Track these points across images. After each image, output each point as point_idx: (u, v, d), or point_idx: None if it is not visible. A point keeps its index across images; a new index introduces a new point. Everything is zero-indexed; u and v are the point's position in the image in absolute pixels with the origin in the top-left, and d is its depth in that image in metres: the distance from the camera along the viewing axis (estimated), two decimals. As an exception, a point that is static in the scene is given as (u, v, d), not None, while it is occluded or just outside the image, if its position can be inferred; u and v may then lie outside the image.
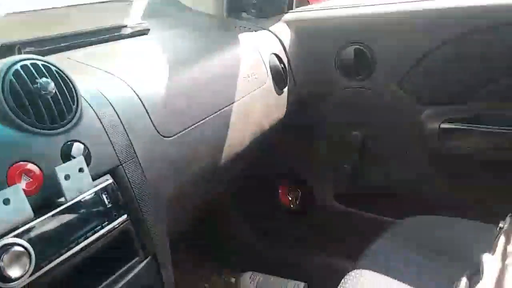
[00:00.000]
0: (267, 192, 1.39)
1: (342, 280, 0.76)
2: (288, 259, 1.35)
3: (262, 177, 1.35)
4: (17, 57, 0.56)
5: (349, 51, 1.12)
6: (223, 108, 0.88)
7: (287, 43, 1.15)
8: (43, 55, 0.73)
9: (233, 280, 1.38)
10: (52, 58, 0.73)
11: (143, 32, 0.96)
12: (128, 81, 0.73)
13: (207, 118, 0.83)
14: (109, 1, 0.87)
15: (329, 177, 1.29)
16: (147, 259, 0.65)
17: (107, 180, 0.61)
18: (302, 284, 1.28)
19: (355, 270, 0.78)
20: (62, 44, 0.78)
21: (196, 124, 0.80)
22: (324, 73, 1.17)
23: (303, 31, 1.18)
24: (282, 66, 1.09)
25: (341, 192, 1.30)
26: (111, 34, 0.88)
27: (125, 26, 0.93)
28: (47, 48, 0.75)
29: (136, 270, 0.63)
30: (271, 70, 1.06)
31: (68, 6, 0.79)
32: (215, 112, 0.85)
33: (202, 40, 1.04)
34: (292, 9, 1.26)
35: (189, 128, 0.78)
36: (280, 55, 1.11)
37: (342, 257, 1.22)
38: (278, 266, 1.35)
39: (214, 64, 0.92)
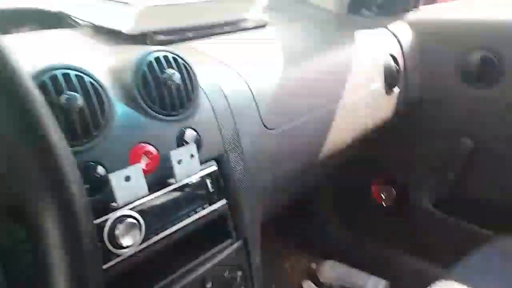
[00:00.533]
0: (360, 188, 1.39)
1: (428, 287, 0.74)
2: (372, 254, 1.35)
3: (357, 173, 1.35)
4: (151, 48, 0.63)
5: (475, 58, 1.04)
6: (329, 106, 0.89)
7: (406, 44, 1.11)
8: (171, 43, 0.81)
9: (313, 265, 1.40)
10: (179, 47, 0.81)
11: (262, 25, 1.00)
12: (242, 73, 0.77)
13: (312, 115, 0.85)
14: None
15: (428, 182, 1.24)
16: (238, 242, 0.70)
17: (212, 167, 0.66)
18: (383, 282, 1.26)
19: (444, 280, 0.75)
20: (188, 34, 0.85)
21: (300, 120, 0.83)
22: (442, 78, 1.11)
23: (426, 32, 1.13)
24: (397, 67, 1.06)
25: (439, 198, 1.25)
26: (233, 26, 0.93)
27: (246, 19, 0.97)
28: (175, 37, 0.83)
29: (228, 251, 0.68)
30: (384, 71, 1.03)
31: (199, 2, 0.85)
32: (320, 109, 0.87)
33: (318, 36, 1.05)
34: (416, 8, 1.20)
35: (293, 123, 0.81)
36: (397, 56, 1.07)
37: (431, 262, 1.18)
38: (361, 260, 1.35)
39: (327, 62, 0.93)
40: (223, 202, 0.67)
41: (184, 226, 0.61)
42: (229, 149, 0.69)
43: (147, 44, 0.79)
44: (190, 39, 0.85)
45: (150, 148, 0.58)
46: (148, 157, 0.58)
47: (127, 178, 0.53)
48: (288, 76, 0.83)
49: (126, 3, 0.77)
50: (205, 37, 0.88)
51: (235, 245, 0.70)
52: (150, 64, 0.61)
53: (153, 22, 0.80)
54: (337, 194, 1.43)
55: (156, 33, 0.81)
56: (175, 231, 0.60)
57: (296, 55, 0.91)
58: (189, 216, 0.61)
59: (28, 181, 0.28)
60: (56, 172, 0.29)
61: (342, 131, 0.93)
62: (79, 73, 0.53)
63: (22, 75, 0.30)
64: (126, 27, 0.78)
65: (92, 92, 0.54)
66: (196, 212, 0.62)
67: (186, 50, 0.79)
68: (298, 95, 0.84)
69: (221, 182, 0.67)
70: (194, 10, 0.87)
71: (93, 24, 0.82)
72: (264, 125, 0.76)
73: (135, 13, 0.77)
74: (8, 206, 0.28)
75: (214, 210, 0.65)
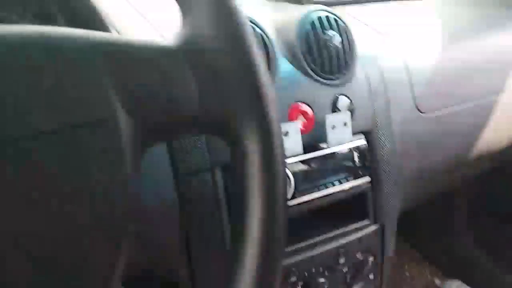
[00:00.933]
0: (509, 200, 1.17)
1: None
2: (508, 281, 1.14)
3: (508, 182, 1.15)
4: (314, 7, 0.61)
5: None
6: (491, 97, 0.80)
7: None
8: (326, 5, 0.78)
9: (437, 281, 1.25)
10: (335, 10, 0.78)
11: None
12: (399, 47, 0.72)
13: (470, 103, 0.77)
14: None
15: None
16: (375, 225, 0.67)
17: (361, 140, 0.63)
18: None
19: None
20: (345, -1, 0.81)
21: (457, 107, 0.75)
22: None
23: None
24: None
25: None
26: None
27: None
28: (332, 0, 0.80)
29: (364, 232, 0.65)
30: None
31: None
32: (480, 98, 0.78)
33: (484, 11, 0.94)
34: None
35: (448, 109, 0.74)
36: None
37: None
38: (496, 285, 1.16)
39: (495, 44, 0.83)
40: (366, 179, 0.63)
41: (328, 194, 0.59)
42: (379, 125, 0.65)
43: (303, 3, 0.77)
44: (345, 3, 0.82)
45: (307, 109, 0.57)
46: (304, 117, 0.57)
47: (286, 134, 0.52)
48: (449, 56, 0.76)
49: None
50: (360, 2, 0.84)
51: (372, 228, 0.66)
52: (312, 23, 0.60)
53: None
54: (480, 202, 1.23)
55: (313, -6, 0.78)
56: (319, 197, 0.58)
57: (458, 33, 0.82)
58: (333, 185, 0.60)
59: (237, 102, 0.29)
60: (263, 97, 0.30)
61: (499, 128, 0.83)
62: (253, 25, 0.54)
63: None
64: (286, -15, 0.76)
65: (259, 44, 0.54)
66: (341, 183, 0.60)
67: (342, 15, 0.76)
68: (459, 80, 0.76)
69: (367, 158, 0.63)
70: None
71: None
72: (417, 107, 0.70)
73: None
74: (214, 122, 0.30)
75: (357, 186, 0.62)
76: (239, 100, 0.29)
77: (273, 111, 0.30)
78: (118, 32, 0.51)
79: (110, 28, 0.50)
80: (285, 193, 0.31)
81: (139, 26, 0.55)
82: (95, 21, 0.49)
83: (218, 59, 0.28)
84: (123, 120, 0.26)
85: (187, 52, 0.28)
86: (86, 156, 0.25)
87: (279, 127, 0.30)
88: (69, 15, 0.49)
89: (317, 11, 0.61)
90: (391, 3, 0.87)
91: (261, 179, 0.29)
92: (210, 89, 0.28)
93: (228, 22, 0.28)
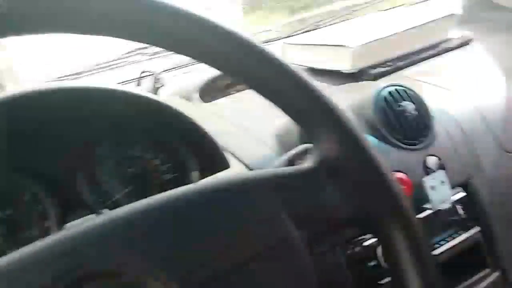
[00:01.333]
0: None
1: None
2: None
3: None
4: (384, 84, 0.68)
5: None
6: None
7: None
8: (384, 75, 0.85)
9: None
10: (392, 78, 0.84)
11: (467, 42, 0.97)
12: (466, 95, 0.76)
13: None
14: (435, 19, 0.92)
15: None
16: (497, 273, 0.67)
17: (461, 192, 0.65)
18: None
19: None
20: (399, 64, 0.88)
21: None
22: None
23: None
24: None
25: None
26: (438, 49, 0.93)
27: (450, 39, 0.96)
28: (387, 69, 0.86)
29: (486, 281, 0.65)
30: None
31: (403, 31, 0.88)
32: None
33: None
34: None
35: None
36: None
37: None
38: None
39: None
40: (476, 229, 0.65)
41: (442, 252, 0.61)
42: (472, 174, 0.68)
43: (364, 79, 0.84)
44: (401, 68, 0.88)
45: (403, 176, 0.61)
46: (402, 184, 0.61)
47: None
48: None
49: (343, 45, 0.84)
50: (414, 64, 0.89)
51: (494, 275, 0.66)
52: (386, 98, 0.66)
53: (366, 58, 0.85)
54: None
55: (370, 68, 0.85)
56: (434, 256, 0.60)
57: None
58: (447, 242, 0.62)
59: (380, 203, 0.35)
60: (402, 200, 0.36)
61: None
62: None
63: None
64: (345, 67, 0.84)
65: None
66: (454, 238, 0.63)
67: (401, 80, 0.81)
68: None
69: (472, 208, 0.65)
70: (399, 40, 0.89)
71: (313, 68, 0.91)
72: (501, 147, 0.73)
73: (351, 53, 0.83)
74: (358, 218, 0.35)
75: (469, 237, 0.64)
76: (379, 201, 0.35)
77: (407, 204, 0.35)
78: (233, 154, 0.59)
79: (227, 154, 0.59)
80: (435, 272, 0.36)
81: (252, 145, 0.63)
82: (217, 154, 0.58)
83: (353, 172, 0.35)
84: (297, 235, 0.32)
85: (327, 170, 0.35)
86: (276, 277, 0.30)
87: (415, 216, 0.35)
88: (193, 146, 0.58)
89: (386, 87, 0.67)
90: (442, 56, 0.92)
91: (412, 267, 0.34)
92: (351, 196, 0.35)
93: (350, 144, 0.35)
